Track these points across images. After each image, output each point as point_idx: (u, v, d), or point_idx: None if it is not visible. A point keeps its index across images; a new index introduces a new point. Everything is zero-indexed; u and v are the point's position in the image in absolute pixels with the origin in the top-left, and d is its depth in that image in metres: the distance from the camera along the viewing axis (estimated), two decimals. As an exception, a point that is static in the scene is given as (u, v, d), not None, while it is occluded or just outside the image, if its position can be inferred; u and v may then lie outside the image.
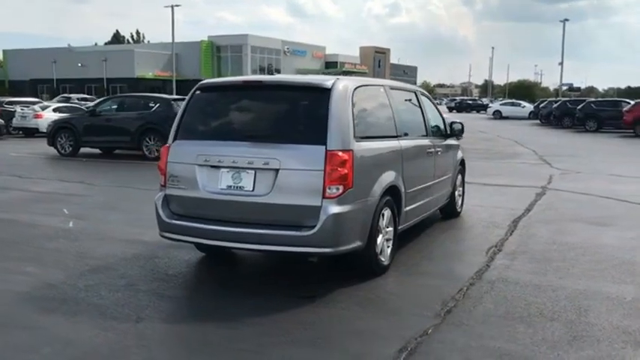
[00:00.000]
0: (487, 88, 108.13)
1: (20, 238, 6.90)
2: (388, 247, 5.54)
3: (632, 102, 29.09)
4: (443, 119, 7.71)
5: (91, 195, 10.29)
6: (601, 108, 31.51)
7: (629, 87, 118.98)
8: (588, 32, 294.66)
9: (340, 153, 4.83)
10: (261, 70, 68.09)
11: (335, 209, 4.80)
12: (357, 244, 5.01)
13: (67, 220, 7.90)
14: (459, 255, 6.50)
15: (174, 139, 5.43)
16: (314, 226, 4.78)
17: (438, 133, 7.33)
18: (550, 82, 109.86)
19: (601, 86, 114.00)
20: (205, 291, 5.19)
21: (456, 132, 7.75)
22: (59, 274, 5.48)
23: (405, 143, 5.96)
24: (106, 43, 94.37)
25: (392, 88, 6.35)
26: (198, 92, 5.52)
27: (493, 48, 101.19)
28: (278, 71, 66.86)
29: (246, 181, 5.00)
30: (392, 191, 5.52)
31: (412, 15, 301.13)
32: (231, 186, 5.05)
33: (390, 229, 5.57)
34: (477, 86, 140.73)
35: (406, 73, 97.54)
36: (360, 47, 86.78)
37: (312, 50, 78.27)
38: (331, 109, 4.93)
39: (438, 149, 7.04)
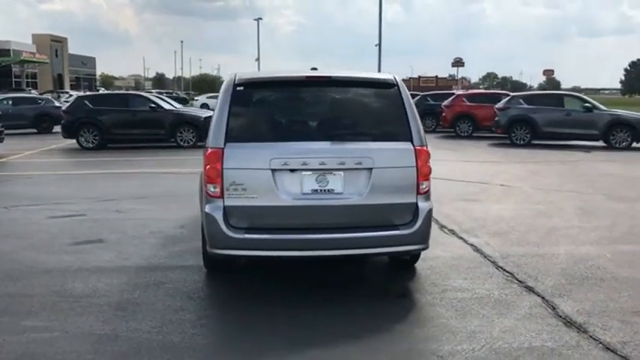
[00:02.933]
0: (161, 82, 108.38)
1: None
2: None
3: (457, 93, 25.94)
4: None
5: None
6: (437, 102, 26.21)
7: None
8: (246, 29, 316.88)
9: (425, 148, 4.90)
10: None
11: (429, 205, 4.87)
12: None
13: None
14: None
15: (225, 141, 4.71)
16: (411, 224, 4.77)
17: None
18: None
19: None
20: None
21: None
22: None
23: None
24: None
25: None
26: (240, 88, 4.87)
27: (182, 42, 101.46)
28: None
29: (335, 183, 4.68)
30: None
31: (67, 3, 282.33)
32: (317, 190, 4.66)
33: None
34: (147, 79, 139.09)
35: (85, 64, 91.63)
36: (33, 35, 78.27)
37: (-29, 36, 67.79)
38: (406, 104, 4.95)
39: None
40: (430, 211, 4.83)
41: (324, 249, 4.68)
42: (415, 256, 5.39)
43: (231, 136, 4.70)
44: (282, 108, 5.07)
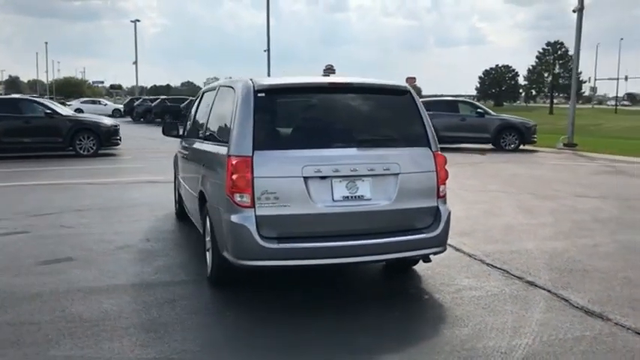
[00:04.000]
0: (15, 85, 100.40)
1: None
2: None
3: None
4: None
5: None
6: (174, 104, 34.99)
7: (154, 85, 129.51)
8: (105, 31, 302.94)
9: (441, 154, 5.07)
10: None
11: (447, 208, 5.03)
12: None
13: None
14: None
15: (253, 149, 4.56)
16: (433, 227, 4.91)
17: None
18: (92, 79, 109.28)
19: (125, 84, 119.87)
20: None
21: None
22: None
23: None
24: None
25: None
26: (261, 95, 4.73)
27: (47, 43, 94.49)
28: None
29: (364, 189, 4.70)
30: None
31: None
32: (347, 196, 4.65)
33: None
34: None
35: None
36: None
37: None
38: (420, 110, 5.09)
39: None
40: (449, 215, 5.00)
41: (356, 255, 4.68)
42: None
43: (258, 144, 4.57)
44: (305, 114, 5.01)
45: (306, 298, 5.05)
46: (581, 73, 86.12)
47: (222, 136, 5.13)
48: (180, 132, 7.63)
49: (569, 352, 3.95)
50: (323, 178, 4.60)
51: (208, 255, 5.39)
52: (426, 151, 4.98)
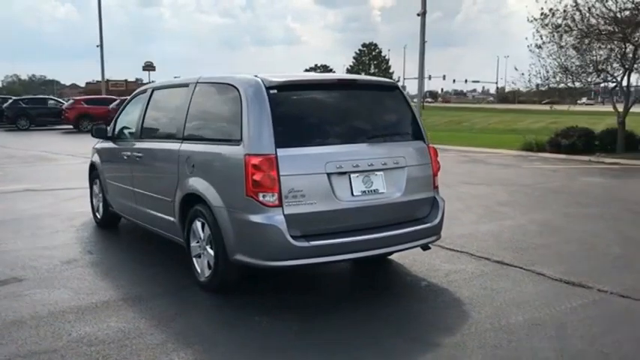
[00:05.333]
0: None
1: None
2: None
3: (71, 99, 30.94)
4: None
5: None
6: (31, 106, 31.25)
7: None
8: None
9: (432, 146, 5.36)
10: None
11: (441, 198, 5.34)
12: None
13: None
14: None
15: (276, 146, 4.46)
16: (432, 216, 5.18)
17: None
18: None
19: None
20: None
21: None
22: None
23: None
24: None
25: None
26: (273, 92, 4.62)
27: None
28: None
29: (378, 183, 4.82)
30: None
31: None
32: (365, 191, 4.74)
33: None
34: None
35: None
36: None
37: None
38: (410, 105, 5.35)
39: None
40: (444, 204, 5.30)
41: (376, 248, 4.79)
42: None
43: (280, 141, 4.49)
44: (318, 111, 4.95)
45: (321, 296, 5.06)
46: (393, 72, 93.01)
47: (222, 135, 4.93)
48: (109, 134, 7.08)
49: (579, 318, 4.48)
50: (342, 173, 4.65)
51: (198, 261, 5.15)
52: (422, 144, 5.24)
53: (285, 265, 4.49)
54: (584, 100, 58.67)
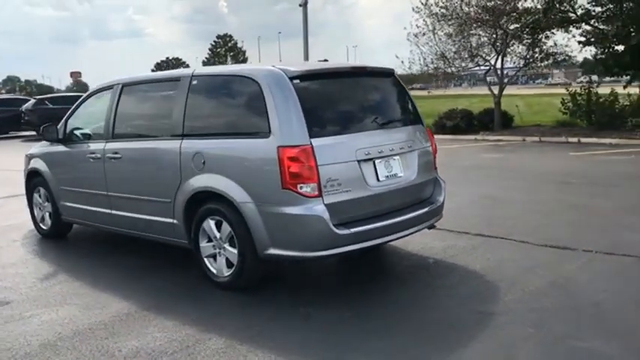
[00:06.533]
0: None
1: None
2: None
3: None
4: None
5: None
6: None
7: None
8: None
9: (428, 129, 5.59)
10: None
11: (441, 177, 5.59)
12: None
13: None
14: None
15: (310, 136, 4.42)
16: (436, 196, 5.41)
17: None
18: None
19: None
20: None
21: None
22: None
23: None
24: None
25: None
26: (296, 81, 4.56)
27: None
28: None
29: (396, 167, 4.95)
30: None
31: None
32: (387, 175, 4.85)
33: None
34: None
35: None
36: None
37: None
38: (407, 91, 5.54)
39: None
40: (445, 184, 5.55)
41: (401, 230, 4.93)
42: None
43: (315, 131, 4.48)
44: (338, 99, 4.93)
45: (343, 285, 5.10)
46: (251, 64, 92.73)
47: (240, 128, 4.79)
48: (60, 136, 6.51)
49: (589, 276, 4.99)
50: (368, 160, 4.72)
51: (211, 260, 4.97)
52: (422, 127, 5.45)
53: (328, 254, 4.48)
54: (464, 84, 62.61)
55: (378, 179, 4.77)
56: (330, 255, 4.52)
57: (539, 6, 17.58)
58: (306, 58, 21.62)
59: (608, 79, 20.41)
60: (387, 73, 5.46)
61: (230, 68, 5.05)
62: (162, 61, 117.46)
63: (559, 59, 19.38)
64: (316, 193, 4.39)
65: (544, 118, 19.67)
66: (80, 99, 6.67)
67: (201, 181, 4.92)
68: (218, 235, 4.88)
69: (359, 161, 4.63)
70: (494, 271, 5.14)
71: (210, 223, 4.92)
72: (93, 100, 6.43)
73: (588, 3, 17.44)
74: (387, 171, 4.87)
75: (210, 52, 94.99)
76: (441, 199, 5.40)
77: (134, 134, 5.78)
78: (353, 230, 4.50)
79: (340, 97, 5.00)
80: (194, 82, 5.16)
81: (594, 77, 19.59)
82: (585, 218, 6.99)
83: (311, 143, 4.40)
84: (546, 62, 19.52)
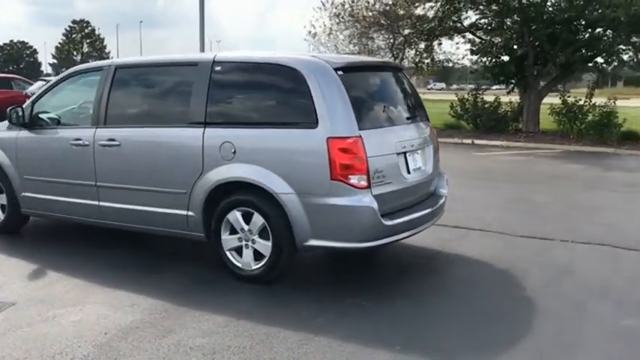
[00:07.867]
0: None
1: None
2: None
3: None
4: None
5: None
6: None
7: None
8: None
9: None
10: None
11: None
12: None
13: None
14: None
15: (359, 129, 4.45)
16: (443, 189, 5.65)
17: None
18: None
19: None
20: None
21: None
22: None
23: None
24: None
25: None
26: (340, 73, 4.56)
27: None
28: None
29: (420, 161, 5.10)
30: None
31: None
32: (415, 169, 5.01)
33: None
34: None
35: None
36: None
37: None
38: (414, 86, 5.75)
39: None
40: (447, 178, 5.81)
41: (429, 221, 5.13)
42: None
43: (363, 124, 4.52)
44: (375, 92, 5.00)
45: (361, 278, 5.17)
46: (110, 52, 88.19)
47: (280, 118, 4.70)
48: (26, 120, 5.89)
49: (584, 261, 5.51)
50: (401, 153, 4.85)
51: (234, 254, 4.83)
52: (428, 123, 5.67)
53: (375, 245, 4.54)
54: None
55: (409, 172, 4.91)
56: (377, 246, 4.58)
57: (433, 14, 18.67)
58: (202, 48, 21.05)
59: (495, 87, 22.00)
60: (399, 68, 5.63)
61: (261, 55, 4.89)
62: (5, 44, 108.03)
63: (446, 65, 20.74)
64: (366, 184, 4.42)
65: (434, 121, 20.79)
66: (51, 82, 6.07)
67: (231, 171, 4.74)
68: (246, 227, 4.73)
69: (397, 154, 4.74)
70: (502, 262, 5.39)
71: (236, 215, 4.76)
72: (70, 84, 5.89)
73: (475, 15, 18.84)
74: (414, 164, 5.02)
75: (64, 38, 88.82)
76: (447, 192, 5.65)
77: (135, 120, 5.39)
78: (396, 221, 4.60)
79: (377, 91, 5.09)
80: (217, 68, 4.94)
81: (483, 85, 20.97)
82: (545, 211, 7.62)
83: (360, 135, 4.43)
84: (435, 68, 20.77)
